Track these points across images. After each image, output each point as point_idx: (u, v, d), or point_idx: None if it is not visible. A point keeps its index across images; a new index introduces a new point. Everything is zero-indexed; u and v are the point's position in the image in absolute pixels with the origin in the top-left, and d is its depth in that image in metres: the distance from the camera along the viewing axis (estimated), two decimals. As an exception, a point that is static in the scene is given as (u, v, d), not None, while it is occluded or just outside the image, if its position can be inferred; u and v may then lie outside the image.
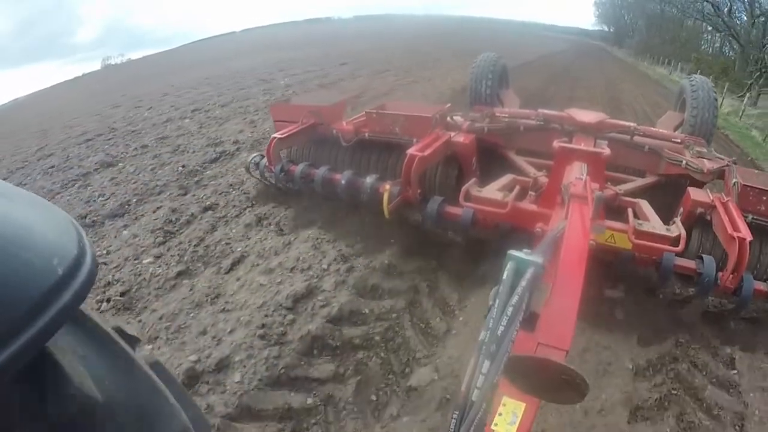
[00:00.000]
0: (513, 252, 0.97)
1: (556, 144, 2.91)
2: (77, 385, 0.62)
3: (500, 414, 1.08)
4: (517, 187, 3.28)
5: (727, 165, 3.36)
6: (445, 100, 6.95)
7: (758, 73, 21.52)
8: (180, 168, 5.51)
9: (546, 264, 1.02)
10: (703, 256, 2.75)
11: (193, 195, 4.72)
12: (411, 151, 3.22)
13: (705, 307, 2.92)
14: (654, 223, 2.92)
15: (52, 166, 6.49)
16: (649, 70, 30.87)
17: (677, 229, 2.83)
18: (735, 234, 2.54)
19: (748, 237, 2.52)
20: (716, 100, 4.45)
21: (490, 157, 4.06)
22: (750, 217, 2.85)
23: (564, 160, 2.84)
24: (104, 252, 3.73)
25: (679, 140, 3.89)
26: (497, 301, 0.90)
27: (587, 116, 3.94)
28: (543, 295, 1.10)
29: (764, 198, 2.90)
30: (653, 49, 37.42)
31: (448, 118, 4.01)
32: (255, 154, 4.23)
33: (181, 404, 0.82)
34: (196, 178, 5.19)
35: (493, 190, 3.25)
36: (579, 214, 2.12)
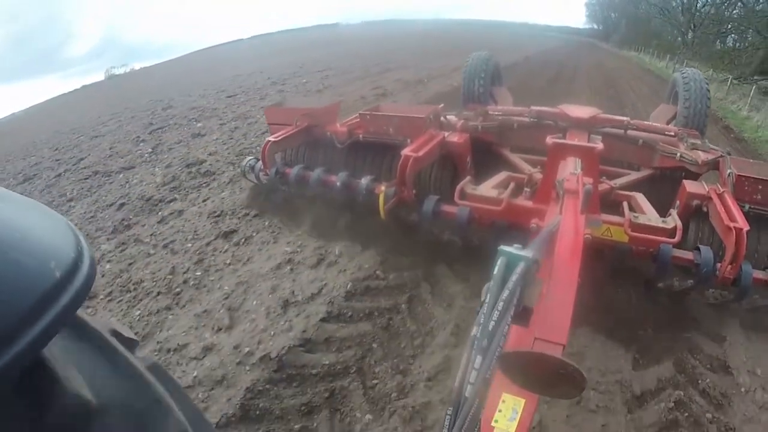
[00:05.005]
0: (504, 247, 0.97)
1: (549, 140, 2.90)
2: (70, 389, 0.61)
3: (500, 410, 1.08)
4: (512, 184, 3.28)
5: (722, 156, 3.37)
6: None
7: (682, 47, 37.42)
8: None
9: (539, 259, 1.02)
10: (701, 246, 2.74)
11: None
12: (405, 151, 3.22)
13: (705, 299, 2.93)
14: (650, 216, 2.92)
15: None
16: (624, 54, 43.50)
17: (673, 221, 2.84)
18: (732, 224, 2.54)
19: (745, 227, 2.52)
20: (708, 91, 4.44)
21: (485, 154, 4.06)
22: (747, 206, 2.86)
23: (558, 156, 2.83)
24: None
25: (672, 133, 3.89)
26: (488, 296, 0.90)
27: (580, 111, 3.95)
28: (537, 290, 1.09)
29: (760, 187, 2.90)
30: (630, 41, 49.73)
31: (441, 118, 4.01)
32: (250, 158, 4.22)
33: (180, 406, 0.81)
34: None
35: (488, 188, 3.25)
36: (573, 209, 2.12)
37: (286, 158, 4.15)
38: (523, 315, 0.95)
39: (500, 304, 0.87)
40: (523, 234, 2.82)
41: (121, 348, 0.77)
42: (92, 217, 4.94)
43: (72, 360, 0.66)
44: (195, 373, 2.50)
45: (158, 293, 3.29)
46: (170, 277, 3.47)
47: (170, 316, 3.04)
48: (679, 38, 41.28)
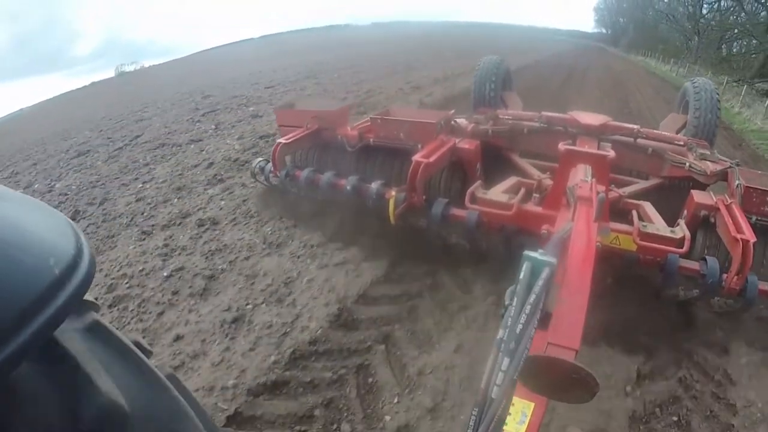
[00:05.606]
0: (529, 252, 1.00)
1: (561, 146, 2.91)
2: (106, 394, 0.63)
3: (509, 414, 1.10)
4: (522, 190, 3.29)
5: (730, 167, 3.37)
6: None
7: (686, 52, 40.95)
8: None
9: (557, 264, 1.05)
10: (707, 257, 2.74)
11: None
12: (416, 157, 3.23)
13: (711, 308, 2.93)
14: (658, 225, 2.93)
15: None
16: (632, 59, 45.92)
17: (681, 230, 2.84)
18: (738, 236, 2.54)
19: (752, 239, 2.52)
20: (719, 102, 4.44)
21: (494, 158, 4.07)
22: (754, 218, 2.86)
23: (569, 163, 2.85)
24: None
25: (682, 143, 3.89)
26: (515, 300, 0.93)
27: (591, 118, 3.96)
28: (555, 295, 1.12)
29: (767, 199, 2.91)
30: (638, 45, 52.88)
31: (452, 122, 4.03)
32: (260, 159, 4.26)
33: (196, 413, 0.83)
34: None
35: (498, 193, 3.26)
36: (586, 216, 2.13)
37: (296, 160, 4.18)
38: (544, 319, 0.98)
39: (527, 308, 0.89)
40: (532, 239, 2.85)
41: (146, 359, 0.78)
42: (180, 174, 5.59)
43: (103, 365, 0.67)
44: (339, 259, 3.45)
45: (281, 218, 4.09)
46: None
47: (298, 231, 3.87)
48: (684, 44, 43.70)
